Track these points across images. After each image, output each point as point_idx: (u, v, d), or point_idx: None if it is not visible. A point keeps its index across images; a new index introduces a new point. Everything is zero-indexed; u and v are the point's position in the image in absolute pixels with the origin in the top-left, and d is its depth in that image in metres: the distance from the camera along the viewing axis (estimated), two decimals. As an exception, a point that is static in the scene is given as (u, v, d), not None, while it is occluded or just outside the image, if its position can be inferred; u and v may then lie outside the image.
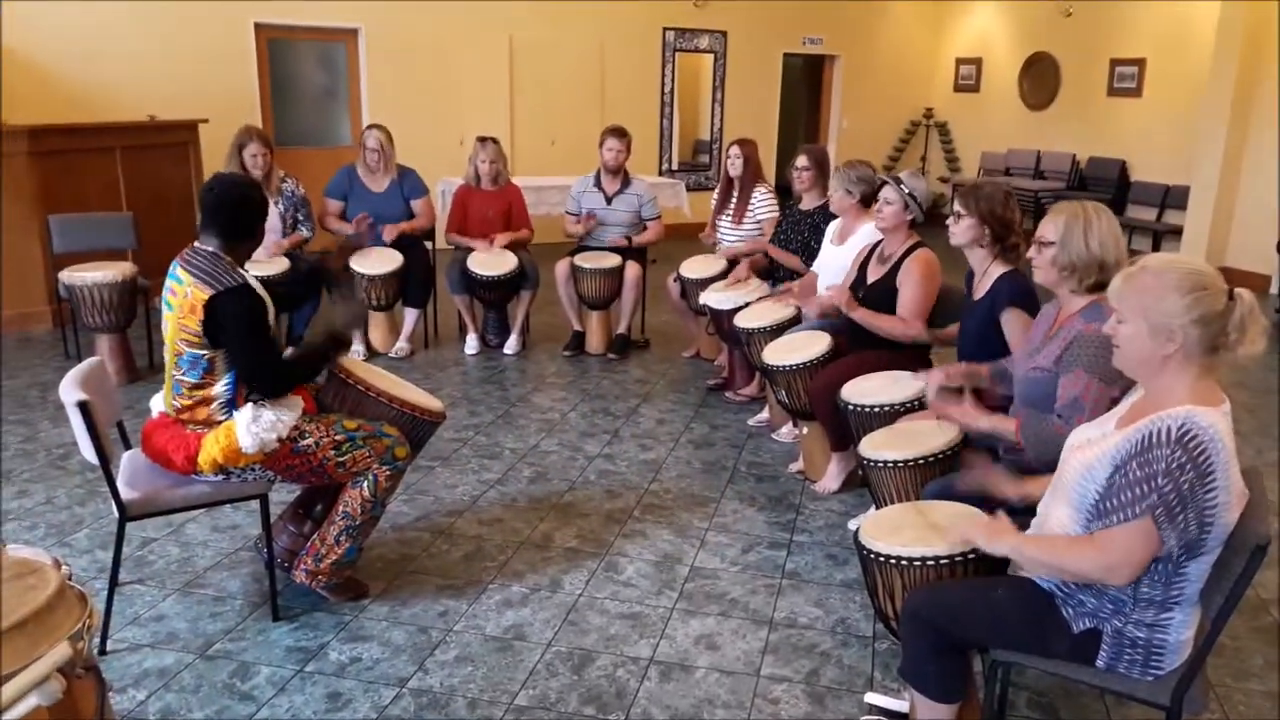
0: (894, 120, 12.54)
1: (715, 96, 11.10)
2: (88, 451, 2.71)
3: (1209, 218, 8.72)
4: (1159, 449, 1.84)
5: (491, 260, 5.74)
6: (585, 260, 5.80)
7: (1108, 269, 2.51)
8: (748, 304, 4.68)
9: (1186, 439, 1.82)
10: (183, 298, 2.72)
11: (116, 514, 2.75)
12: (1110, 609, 2.00)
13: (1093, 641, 2.02)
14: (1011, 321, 3.07)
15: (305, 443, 2.82)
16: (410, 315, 5.92)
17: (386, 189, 5.84)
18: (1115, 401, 2.25)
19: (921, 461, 2.97)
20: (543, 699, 2.62)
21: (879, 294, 3.82)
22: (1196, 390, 1.92)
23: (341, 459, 2.86)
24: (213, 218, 2.80)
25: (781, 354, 4.03)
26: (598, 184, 5.94)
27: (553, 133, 9.83)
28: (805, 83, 13.23)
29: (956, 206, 3.22)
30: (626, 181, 5.94)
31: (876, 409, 3.42)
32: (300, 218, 5.67)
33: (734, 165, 5.40)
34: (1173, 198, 9.71)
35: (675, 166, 11.02)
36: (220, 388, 2.78)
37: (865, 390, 3.50)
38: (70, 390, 2.64)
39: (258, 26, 8.38)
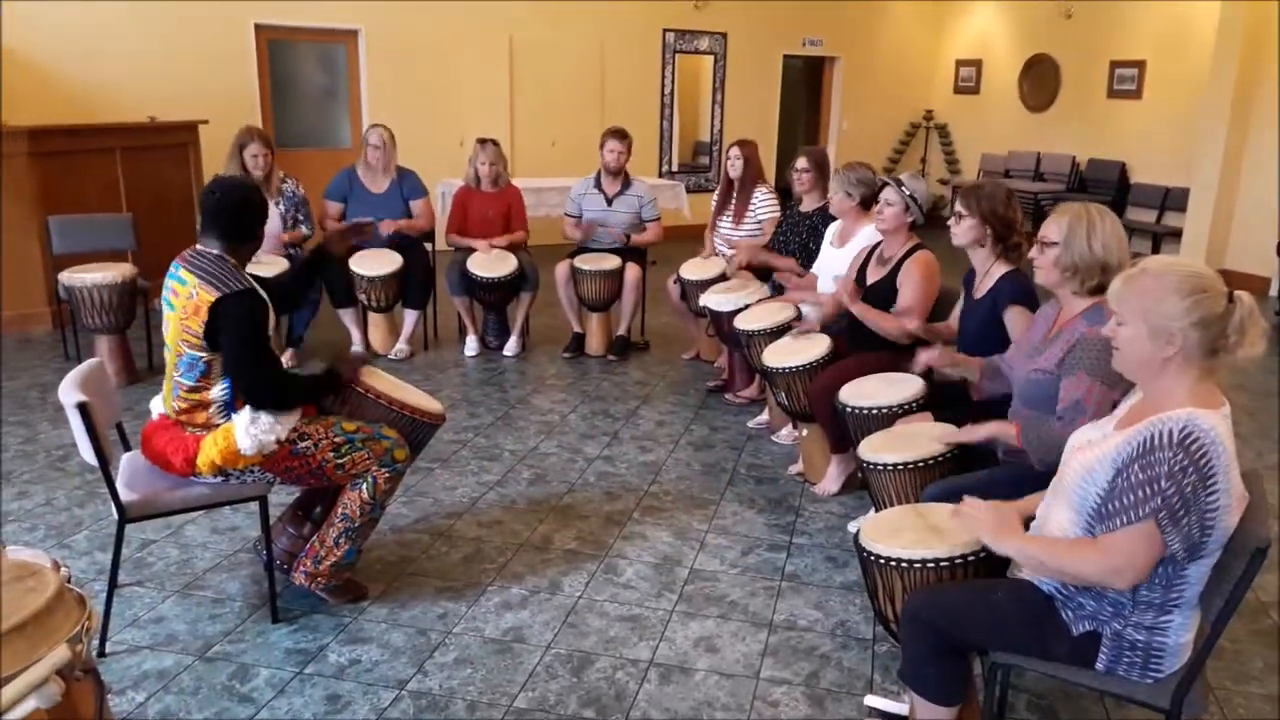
0: (894, 122, 12.55)
1: (715, 98, 11.11)
2: (87, 453, 2.70)
3: (1209, 220, 8.72)
4: (1161, 452, 1.84)
5: (491, 262, 5.74)
6: (585, 262, 5.81)
7: (1110, 271, 2.51)
8: (747, 306, 4.68)
9: (1188, 441, 1.82)
10: (186, 299, 2.71)
11: (116, 516, 2.75)
12: (1110, 611, 2.00)
13: (1092, 644, 2.02)
14: (1015, 319, 3.08)
15: (304, 445, 2.82)
16: (410, 317, 5.92)
17: (386, 190, 5.84)
18: (1117, 405, 2.25)
19: (921, 464, 2.97)
20: (542, 701, 2.62)
21: (879, 295, 3.82)
22: (1196, 393, 1.92)
23: (340, 461, 2.86)
24: (215, 221, 2.80)
25: (781, 356, 4.03)
26: (598, 185, 5.94)
27: (553, 134, 9.84)
28: (805, 84, 13.23)
29: (958, 207, 3.23)
30: (627, 183, 5.94)
31: (874, 411, 3.42)
32: (300, 218, 5.68)
33: (734, 166, 5.41)
34: (1172, 200, 9.72)
35: (675, 168, 11.02)
36: (217, 391, 2.78)
37: (863, 392, 3.50)
38: (70, 392, 2.64)
39: (258, 27, 8.38)
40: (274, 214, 5.42)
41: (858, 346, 3.93)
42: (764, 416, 4.84)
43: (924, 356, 3.13)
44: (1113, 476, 1.92)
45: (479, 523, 3.70)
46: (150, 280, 5.41)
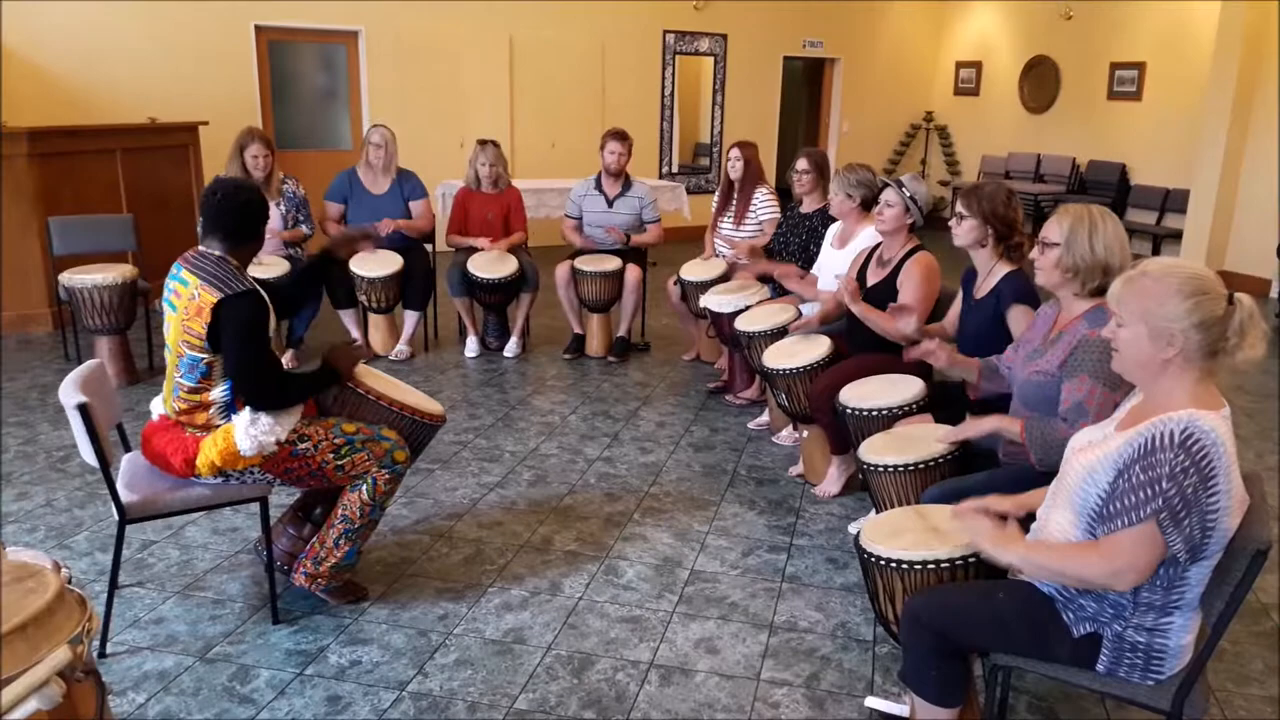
0: (894, 123, 12.55)
1: (715, 99, 11.11)
2: (87, 454, 2.70)
3: (1209, 222, 8.72)
4: (1162, 453, 1.84)
5: (492, 263, 5.74)
6: (586, 263, 5.81)
7: (1111, 273, 2.52)
8: (748, 307, 4.68)
9: (1189, 443, 1.83)
10: (188, 300, 2.71)
11: (116, 516, 2.75)
12: (1110, 613, 2.00)
13: (1093, 646, 2.02)
14: (1019, 318, 3.08)
15: (304, 446, 2.82)
16: (410, 318, 5.93)
17: (387, 191, 5.84)
18: (1119, 407, 2.25)
19: (921, 466, 2.97)
20: (542, 703, 2.62)
21: (880, 297, 3.82)
22: (1196, 394, 1.92)
23: (340, 462, 2.86)
24: (216, 222, 2.80)
25: (781, 357, 4.03)
26: (599, 187, 5.94)
27: (553, 135, 9.84)
28: (805, 86, 13.25)
29: (958, 208, 3.23)
30: (628, 184, 5.94)
31: (875, 413, 3.42)
32: (301, 218, 5.69)
33: (734, 168, 5.41)
34: (1173, 201, 9.72)
35: (675, 169, 11.02)
36: (217, 392, 2.78)
37: (863, 394, 3.50)
38: (70, 392, 2.64)
39: (258, 28, 8.39)
40: (275, 215, 5.43)
41: (858, 348, 3.93)
42: (764, 418, 4.84)
43: (923, 347, 3.09)
44: (1114, 478, 1.92)
45: (479, 524, 3.70)
46: (150, 281, 5.41)
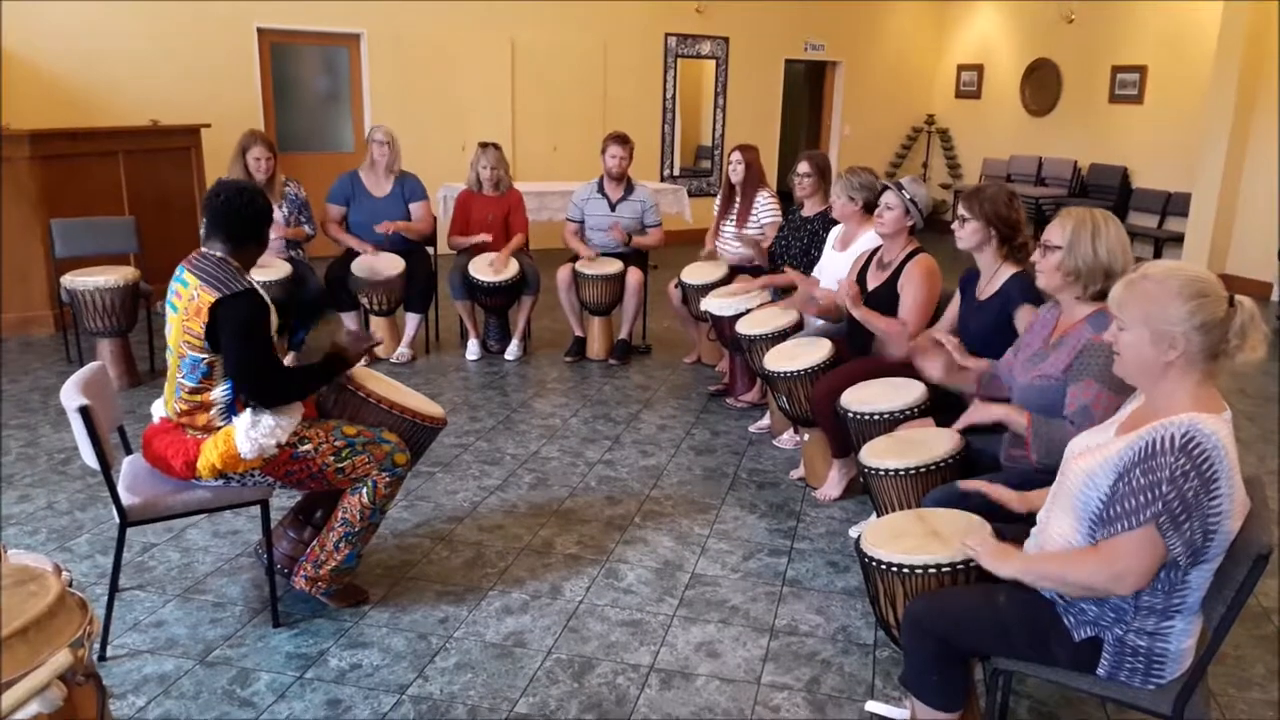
0: (895, 126, 12.55)
1: (717, 102, 11.12)
2: (89, 456, 2.71)
3: (1210, 225, 8.72)
4: (1163, 456, 1.84)
5: (492, 266, 5.74)
6: (587, 266, 5.81)
7: (1113, 277, 2.51)
8: (749, 310, 4.68)
9: (1190, 446, 1.82)
10: (188, 300, 2.72)
11: (117, 519, 2.75)
12: (1112, 617, 2.00)
13: (1094, 650, 2.02)
14: (1027, 318, 3.07)
15: (304, 449, 2.82)
16: (411, 321, 5.93)
17: (389, 193, 5.84)
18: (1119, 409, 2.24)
19: (923, 470, 2.97)
20: (543, 706, 2.62)
21: (880, 300, 3.82)
22: (1197, 397, 1.92)
23: (341, 465, 2.86)
24: (219, 224, 2.80)
25: (783, 360, 4.03)
26: (601, 190, 5.94)
27: (555, 138, 9.85)
28: (807, 89, 13.25)
29: (961, 210, 3.23)
30: (630, 188, 5.95)
31: (876, 416, 3.42)
32: (303, 220, 5.69)
33: (735, 171, 5.42)
34: (1174, 205, 9.72)
35: (677, 172, 11.03)
36: (218, 393, 2.78)
37: (865, 397, 3.50)
38: (71, 395, 2.64)
39: (260, 31, 8.40)
40: (276, 217, 5.43)
41: (859, 351, 3.93)
42: (765, 421, 4.84)
43: (932, 363, 3.06)
44: (1114, 481, 1.92)
45: (480, 527, 3.70)
46: (152, 284, 5.42)
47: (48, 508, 3.74)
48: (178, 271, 2.80)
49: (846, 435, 3.63)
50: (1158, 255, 9.53)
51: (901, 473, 3.00)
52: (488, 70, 9.45)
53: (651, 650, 2.89)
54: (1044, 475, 2.39)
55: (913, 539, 2.37)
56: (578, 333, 6.08)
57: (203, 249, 2.83)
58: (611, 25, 10.03)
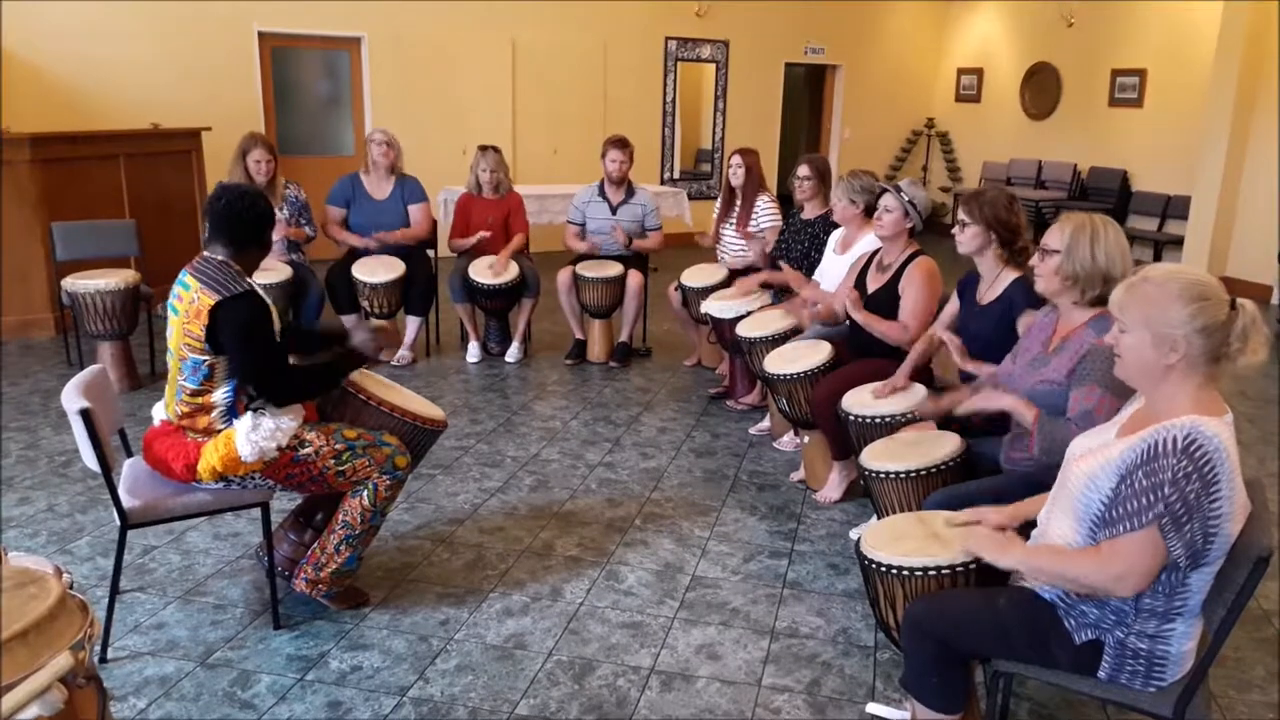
0: (895, 130, 12.56)
1: (717, 106, 11.13)
2: (89, 459, 2.71)
3: (1210, 228, 8.72)
4: (1165, 458, 1.84)
5: (493, 269, 5.74)
6: (587, 269, 5.82)
7: (1112, 282, 2.50)
8: (749, 313, 4.69)
9: (1192, 448, 1.82)
10: (189, 303, 2.72)
11: (118, 521, 2.75)
12: (1112, 620, 2.00)
13: (1095, 652, 2.02)
14: (1029, 324, 3.07)
15: (305, 451, 2.82)
16: (412, 323, 5.93)
17: (389, 196, 5.85)
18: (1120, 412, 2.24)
19: (923, 473, 2.97)
20: (543, 708, 2.62)
21: (881, 303, 3.82)
22: (1199, 400, 1.92)
23: (341, 468, 2.86)
24: (220, 227, 2.81)
25: (783, 363, 4.04)
26: (602, 194, 5.95)
27: (555, 142, 9.86)
28: (807, 92, 13.27)
29: (961, 215, 3.23)
30: (631, 191, 5.95)
31: (877, 419, 3.42)
32: (303, 221, 5.70)
33: (735, 175, 5.42)
34: (1174, 208, 9.72)
35: (677, 176, 11.03)
36: (219, 395, 2.78)
37: (865, 400, 3.50)
38: (72, 398, 2.65)
39: (261, 35, 8.41)
40: (277, 220, 5.43)
41: (859, 353, 3.93)
42: (765, 423, 4.84)
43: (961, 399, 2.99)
44: (1116, 484, 1.92)
45: (481, 529, 3.70)
46: (153, 287, 5.43)
47: (48, 510, 3.75)
48: (180, 275, 2.81)
49: (847, 437, 3.63)
50: (1158, 258, 9.54)
51: (902, 475, 3.00)
52: (488, 73, 9.46)
53: (652, 652, 2.89)
54: (1043, 480, 2.39)
55: (913, 541, 2.38)
56: (578, 335, 6.08)
57: (205, 252, 2.83)
58: (612, 28, 10.04)
